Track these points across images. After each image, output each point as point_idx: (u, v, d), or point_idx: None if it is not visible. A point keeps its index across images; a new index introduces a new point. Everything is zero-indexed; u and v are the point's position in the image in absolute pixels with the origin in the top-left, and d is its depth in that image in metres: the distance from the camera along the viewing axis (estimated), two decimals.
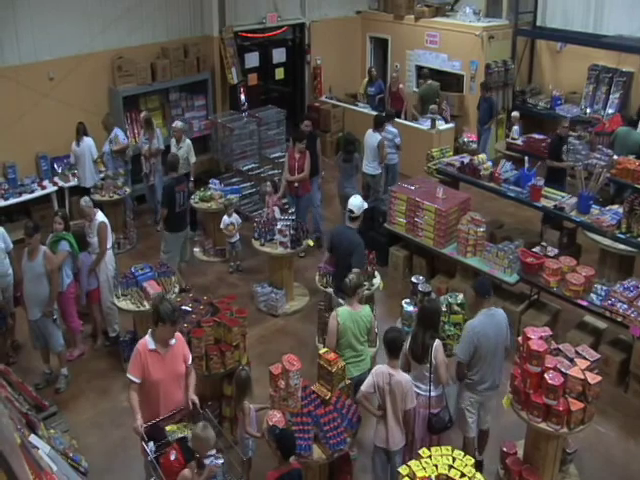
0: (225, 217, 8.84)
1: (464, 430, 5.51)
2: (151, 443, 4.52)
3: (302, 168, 8.82)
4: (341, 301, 6.20)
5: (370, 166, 9.65)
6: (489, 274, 7.28)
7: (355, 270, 5.92)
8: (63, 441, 5.43)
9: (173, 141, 9.71)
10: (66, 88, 9.89)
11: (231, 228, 8.81)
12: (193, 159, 9.70)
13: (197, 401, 4.87)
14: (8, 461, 2.91)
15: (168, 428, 4.70)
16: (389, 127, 9.95)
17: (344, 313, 5.57)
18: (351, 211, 6.56)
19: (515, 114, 11.28)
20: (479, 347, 5.20)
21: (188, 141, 9.66)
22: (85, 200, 7.33)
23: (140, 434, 4.58)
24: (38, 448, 4.70)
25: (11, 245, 7.14)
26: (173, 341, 4.81)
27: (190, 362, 4.99)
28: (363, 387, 5.00)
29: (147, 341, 4.77)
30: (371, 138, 9.59)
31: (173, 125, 9.68)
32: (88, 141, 9.50)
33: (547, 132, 10.64)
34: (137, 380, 4.72)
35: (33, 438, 4.87)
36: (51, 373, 6.88)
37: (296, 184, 8.90)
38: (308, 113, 10.82)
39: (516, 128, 10.98)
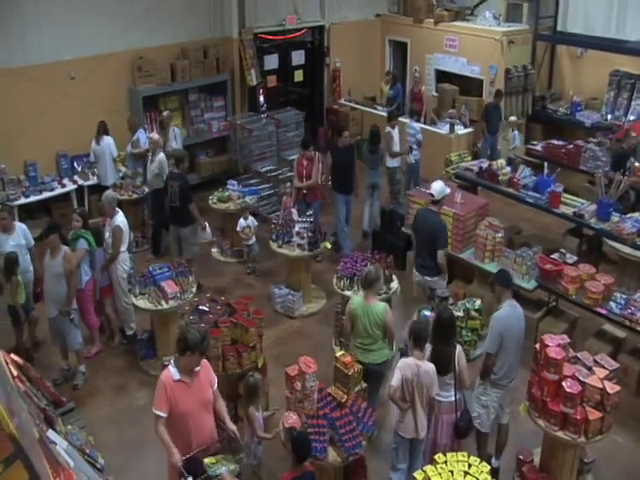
0: (241, 220, 8.85)
1: (483, 426, 5.54)
2: (190, 478, 4.26)
3: (310, 175, 8.82)
4: (428, 278, 6.65)
5: (388, 160, 9.94)
6: None
7: (375, 265, 6.13)
8: (80, 437, 5.44)
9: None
10: (87, 87, 9.98)
11: (247, 231, 8.81)
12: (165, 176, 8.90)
13: (236, 431, 4.65)
14: (28, 455, 2.93)
15: (206, 461, 4.44)
16: (412, 123, 10.22)
17: (357, 300, 5.83)
18: (431, 195, 6.82)
19: (513, 119, 11.05)
20: (505, 338, 5.26)
21: (161, 156, 9.02)
22: (109, 196, 7.35)
23: (179, 469, 4.31)
24: (56, 443, 4.72)
25: (32, 242, 7.24)
26: (198, 368, 4.53)
27: (216, 386, 4.71)
28: (394, 382, 5.05)
29: (171, 372, 4.46)
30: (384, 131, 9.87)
31: (150, 135, 9.32)
32: (108, 140, 9.59)
33: (567, 138, 10.56)
34: (164, 415, 4.42)
35: (51, 433, 4.88)
36: (69, 369, 6.96)
37: (304, 191, 8.88)
38: (343, 124, 10.21)
39: (514, 134, 10.80)
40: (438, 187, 6.88)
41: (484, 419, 5.51)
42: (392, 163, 10.03)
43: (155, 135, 9.35)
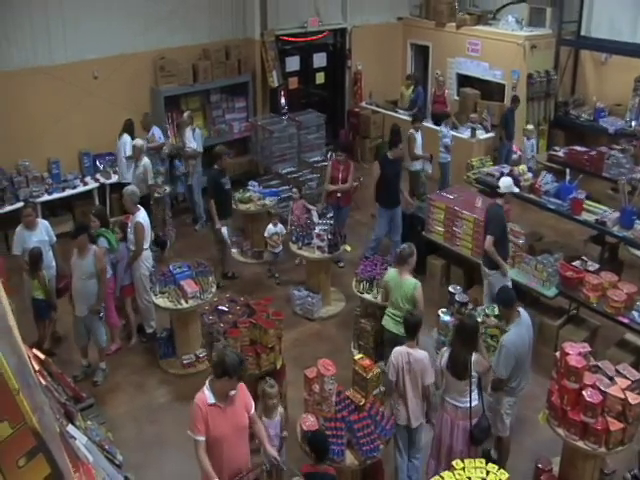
0: (270, 226, 8.69)
1: (502, 431, 5.54)
2: None
3: (346, 179, 8.79)
4: (486, 269, 6.81)
5: (410, 162, 9.93)
6: (527, 286, 7.21)
7: (409, 243, 6.48)
8: (99, 433, 5.48)
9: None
10: (110, 87, 10.07)
11: (275, 238, 8.65)
12: (150, 181, 8.95)
13: (277, 456, 4.48)
14: (50, 449, 2.96)
15: None
16: (442, 127, 10.37)
17: (391, 273, 6.32)
18: (498, 187, 6.99)
19: (530, 127, 10.84)
20: (518, 356, 5.27)
21: (146, 161, 8.99)
22: (129, 191, 7.40)
23: None
24: (75, 438, 4.75)
25: (54, 238, 7.35)
26: (233, 392, 4.32)
27: (253, 410, 4.53)
28: (391, 376, 5.24)
29: (206, 395, 4.27)
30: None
31: (133, 143, 9.20)
32: (124, 138, 9.57)
33: (589, 145, 10.45)
34: (203, 438, 4.22)
35: (71, 428, 4.91)
36: (89, 366, 7.01)
37: (338, 194, 8.81)
38: (398, 137, 9.08)
39: (531, 143, 10.62)
40: (507, 181, 7.02)
41: (499, 425, 5.51)
42: (414, 166, 10.02)
43: (139, 141, 9.19)
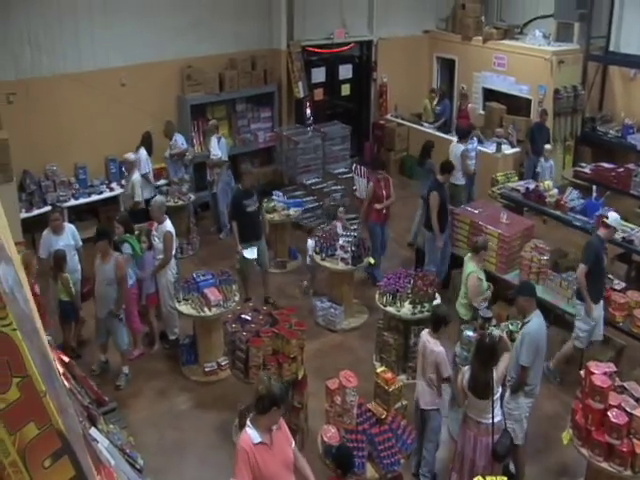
0: (310, 240, 8.40)
1: (519, 439, 5.48)
2: None
3: (389, 195, 8.71)
4: (577, 301, 6.77)
5: (453, 176, 9.60)
6: (552, 304, 7.13)
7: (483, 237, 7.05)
8: (121, 437, 5.50)
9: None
10: (137, 94, 10.16)
11: (317, 250, 8.29)
12: (138, 197, 8.67)
13: None
14: (74, 450, 2.98)
15: None
16: (468, 140, 10.25)
17: (467, 255, 6.84)
18: (605, 217, 7.01)
19: (548, 147, 10.59)
20: (539, 349, 5.37)
21: (136, 176, 8.76)
22: (159, 201, 7.47)
23: None
24: (97, 441, 4.78)
25: (80, 242, 7.44)
26: (276, 426, 4.15)
27: (294, 444, 4.35)
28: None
29: (251, 436, 4.05)
30: (454, 149, 9.81)
31: (125, 156, 8.99)
32: (140, 152, 9.36)
33: (617, 161, 10.33)
34: None
35: (93, 431, 4.94)
36: (106, 362, 7.09)
37: (384, 211, 8.71)
38: (448, 161, 8.81)
39: (549, 164, 10.39)
40: (615, 216, 6.90)
41: (518, 432, 5.45)
42: (460, 180, 9.78)
43: (131, 156, 8.99)
